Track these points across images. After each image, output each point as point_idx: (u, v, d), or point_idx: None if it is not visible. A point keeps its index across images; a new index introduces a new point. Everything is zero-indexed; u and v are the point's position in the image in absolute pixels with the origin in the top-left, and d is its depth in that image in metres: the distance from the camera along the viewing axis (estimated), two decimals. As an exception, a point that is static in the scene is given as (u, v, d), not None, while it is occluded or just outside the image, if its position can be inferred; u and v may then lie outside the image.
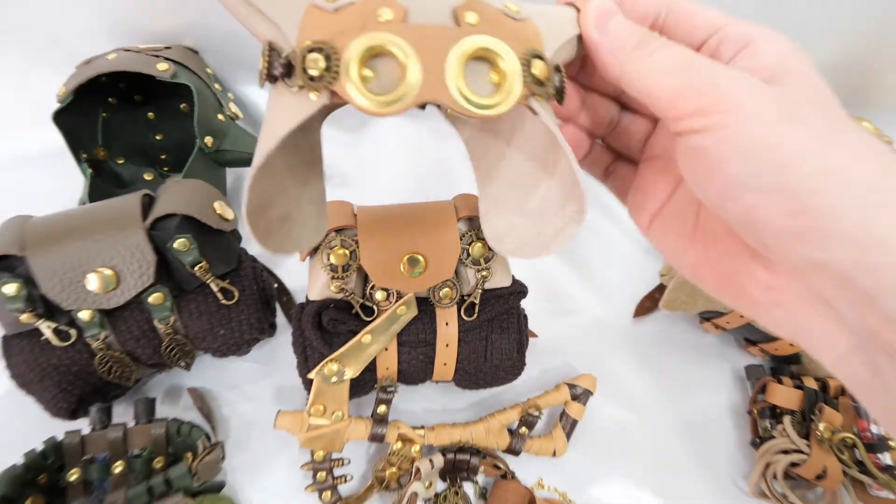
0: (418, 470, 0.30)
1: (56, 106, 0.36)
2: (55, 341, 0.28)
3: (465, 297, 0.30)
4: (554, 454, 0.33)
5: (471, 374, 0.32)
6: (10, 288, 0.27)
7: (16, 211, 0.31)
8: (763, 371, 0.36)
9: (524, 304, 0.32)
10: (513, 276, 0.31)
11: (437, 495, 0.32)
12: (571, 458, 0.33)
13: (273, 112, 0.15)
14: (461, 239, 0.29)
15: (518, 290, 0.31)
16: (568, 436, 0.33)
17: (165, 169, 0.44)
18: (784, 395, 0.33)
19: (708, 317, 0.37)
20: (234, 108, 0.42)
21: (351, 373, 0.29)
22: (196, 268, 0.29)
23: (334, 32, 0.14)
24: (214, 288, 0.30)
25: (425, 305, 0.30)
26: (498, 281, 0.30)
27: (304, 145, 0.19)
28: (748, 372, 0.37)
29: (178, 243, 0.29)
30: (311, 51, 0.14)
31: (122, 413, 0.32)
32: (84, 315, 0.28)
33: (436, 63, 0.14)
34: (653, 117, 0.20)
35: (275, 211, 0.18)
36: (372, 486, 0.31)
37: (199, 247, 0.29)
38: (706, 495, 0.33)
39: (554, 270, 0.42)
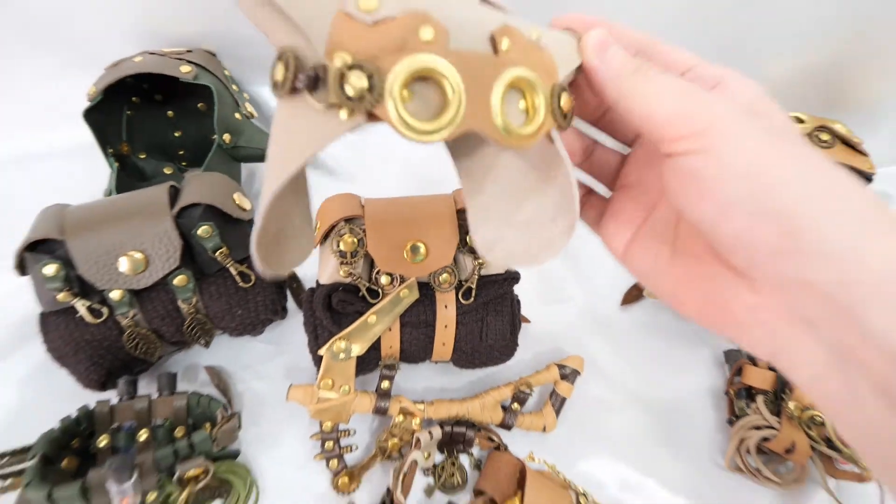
0: (418, 440, 0.32)
1: (86, 104, 0.39)
2: (89, 318, 0.31)
3: (463, 283, 0.32)
4: (544, 429, 0.35)
5: (467, 354, 0.34)
6: (50, 269, 0.30)
7: (48, 199, 0.34)
8: (740, 355, 0.39)
9: (518, 290, 0.35)
10: (507, 264, 0.33)
11: (435, 466, 0.34)
12: (560, 433, 0.36)
13: (291, 129, 0.14)
14: (459, 229, 0.32)
15: (511, 276, 0.33)
16: (557, 413, 0.36)
17: (183, 164, 0.47)
18: (758, 376, 0.36)
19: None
20: (249, 107, 0.44)
21: (357, 349, 0.31)
22: (217, 253, 0.32)
23: (375, 49, 0.13)
24: (233, 271, 0.33)
25: (426, 289, 0.32)
26: (493, 268, 0.33)
27: None
28: (727, 356, 0.39)
29: (202, 230, 0.31)
30: (350, 67, 0.13)
31: (147, 386, 0.35)
32: (115, 295, 0.31)
33: (482, 93, 0.14)
34: (622, 153, 0.21)
35: (270, 229, 0.16)
36: (375, 456, 0.34)
37: (220, 234, 0.32)
38: (686, 469, 0.36)
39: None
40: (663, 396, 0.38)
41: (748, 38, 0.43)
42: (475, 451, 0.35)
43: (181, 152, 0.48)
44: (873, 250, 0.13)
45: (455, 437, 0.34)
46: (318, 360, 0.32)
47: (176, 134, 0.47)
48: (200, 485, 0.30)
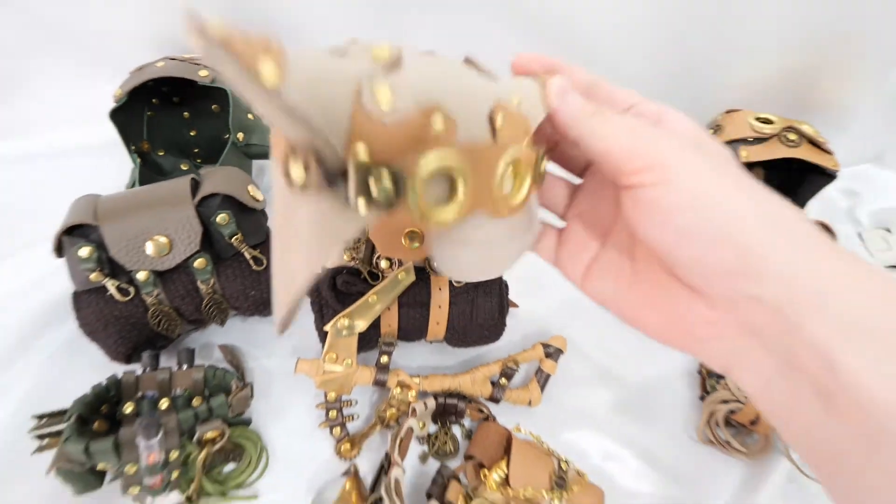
0: (414, 410, 0.35)
1: (112, 105, 0.43)
2: (118, 296, 0.34)
3: (455, 266, 0.36)
4: (529, 404, 0.38)
5: (459, 333, 0.38)
6: (85, 251, 0.33)
7: (77, 191, 0.37)
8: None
9: (507, 276, 0.38)
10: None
11: (429, 435, 0.37)
12: (544, 407, 0.39)
13: (309, 223, 0.13)
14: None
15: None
16: (542, 388, 0.39)
17: (198, 161, 0.51)
18: (727, 356, 0.39)
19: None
20: (260, 109, 0.48)
21: (360, 326, 0.35)
22: (233, 238, 0.35)
23: (394, 145, 0.13)
24: (248, 256, 0.36)
25: (422, 273, 0.36)
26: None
27: None
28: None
29: (220, 218, 0.35)
30: (375, 166, 0.13)
31: (167, 361, 0.38)
32: (141, 275, 0.34)
33: (485, 179, 0.16)
34: (572, 183, 0.22)
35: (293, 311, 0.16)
36: (375, 425, 0.37)
37: (236, 221, 0.35)
38: (662, 442, 0.39)
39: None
40: (641, 375, 0.41)
41: (722, 44, 0.47)
42: (466, 422, 0.38)
43: (196, 150, 0.51)
44: (812, 271, 0.14)
45: (448, 408, 0.37)
46: (323, 336, 0.35)
47: (191, 133, 0.51)
48: (217, 446, 0.33)
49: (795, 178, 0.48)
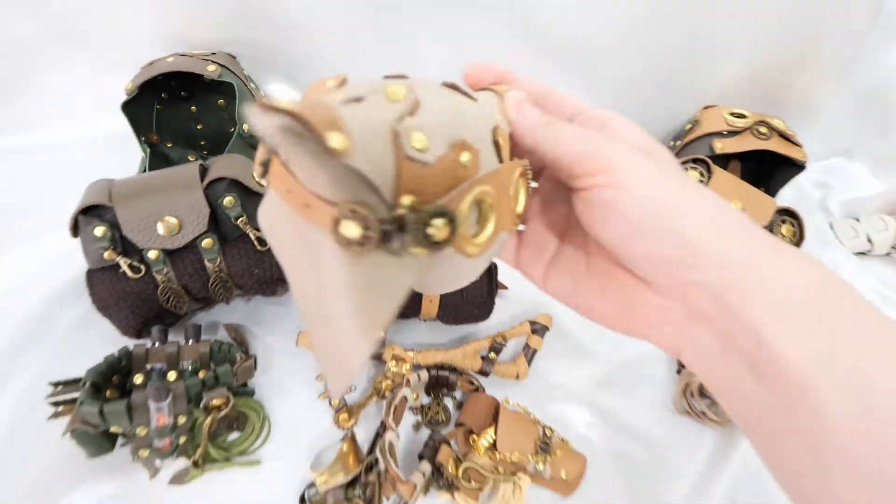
0: (408, 380, 0.38)
1: (124, 98, 0.45)
2: (130, 274, 0.37)
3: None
4: (517, 377, 0.41)
5: (451, 311, 0.40)
6: (100, 230, 0.36)
7: (89, 179, 0.40)
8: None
9: (496, 259, 0.41)
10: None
11: (423, 406, 0.40)
12: (531, 381, 0.41)
13: (364, 286, 0.13)
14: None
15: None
16: (529, 363, 0.41)
17: (205, 153, 0.53)
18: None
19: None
20: (264, 103, 0.51)
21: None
22: (239, 220, 0.38)
23: (438, 188, 0.14)
24: (252, 237, 0.39)
25: (416, 253, 0.38)
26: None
27: None
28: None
29: (227, 200, 0.37)
30: (429, 212, 0.13)
31: (175, 337, 0.40)
32: (152, 254, 0.37)
33: (505, 202, 0.16)
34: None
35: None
36: (371, 396, 0.39)
37: (241, 204, 0.38)
38: (640, 413, 0.41)
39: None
40: (622, 351, 0.44)
41: (697, 43, 0.50)
42: (458, 394, 0.41)
43: (202, 143, 0.54)
44: (747, 258, 0.16)
45: (440, 380, 0.39)
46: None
47: (198, 127, 0.54)
48: (222, 413, 0.35)
49: (768, 169, 0.51)
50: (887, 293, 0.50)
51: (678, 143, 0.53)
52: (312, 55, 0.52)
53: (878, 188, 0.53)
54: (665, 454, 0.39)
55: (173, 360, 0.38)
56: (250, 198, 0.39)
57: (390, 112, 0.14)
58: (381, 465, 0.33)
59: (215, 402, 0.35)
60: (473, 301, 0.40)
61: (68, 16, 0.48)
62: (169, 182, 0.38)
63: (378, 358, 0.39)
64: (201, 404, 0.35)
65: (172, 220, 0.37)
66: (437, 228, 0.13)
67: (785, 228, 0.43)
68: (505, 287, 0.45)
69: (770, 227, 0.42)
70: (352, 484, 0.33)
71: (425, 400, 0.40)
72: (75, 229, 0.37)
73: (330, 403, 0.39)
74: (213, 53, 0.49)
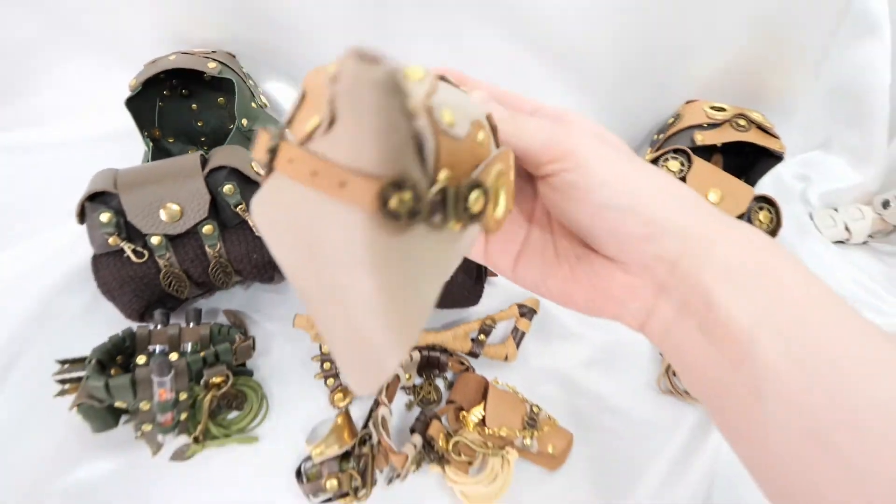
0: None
1: (128, 94, 0.47)
2: (133, 258, 0.38)
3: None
4: (506, 359, 0.42)
5: (442, 295, 0.42)
6: (105, 216, 0.37)
7: (89, 175, 0.41)
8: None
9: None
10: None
11: (415, 386, 0.41)
12: (519, 362, 0.43)
13: (410, 259, 0.13)
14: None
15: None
16: (517, 345, 0.43)
17: (205, 148, 0.55)
18: (683, 314, 0.43)
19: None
20: (262, 98, 0.53)
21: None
22: (238, 207, 0.40)
23: (467, 164, 0.14)
24: (251, 223, 0.40)
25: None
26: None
27: None
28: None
29: (227, 188, 0.39)
30: (471, 188, 0.14)
31: (176, 321, 0.42)
32: (155, 240, 0.38)
33: (510, 182, 0.17)
34: None
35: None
36: (365, 376, 0.41)
37: (241, 192, 0.39)
38: (625, 393, 0.42)
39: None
40: (607, 333, 0.45)
41: (678, 38, 0.52)
42: (449, 375, 0.42)
43: (202, 139, 0.56)
44: (699, 229, 0.18)
45: (431, 360, 0.41)
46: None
47: (199, 123, 0.55)
48: (222, 390, 0.37)
49: (749, 162, 0.53)
50: (864, 280, 0.51)
51: (661, 135, 0.55)
52: (312, 54, 0.54)
53: (855, 180, 0.55)
54: (648, 431, 0.40)
55: (175, 342, 0.40)
56: (249, 186, 0.41)
57: (418, 88, 0.14)
58: (374, 438, 0.35)
59: (215, 379, 0.37)
60: (463, 283, 0.41)
61: (69, 15, 0.50)
62: (171, 171, 0.39)
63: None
64: (202, 381, 0.37)
65: (175, 207, 0.38)
66: (475, 201, 0.14)
67: (762, 215, 0.45)
68: (494, 275, 0.46)
69: (748, 214, 0.44)
70: (346, 457, 0.35)
71: (417, 381, 0.42)
72: (82, 215, 0.39)
73: (325, 383, 0.40)
74: (214, 52, 0.51)
